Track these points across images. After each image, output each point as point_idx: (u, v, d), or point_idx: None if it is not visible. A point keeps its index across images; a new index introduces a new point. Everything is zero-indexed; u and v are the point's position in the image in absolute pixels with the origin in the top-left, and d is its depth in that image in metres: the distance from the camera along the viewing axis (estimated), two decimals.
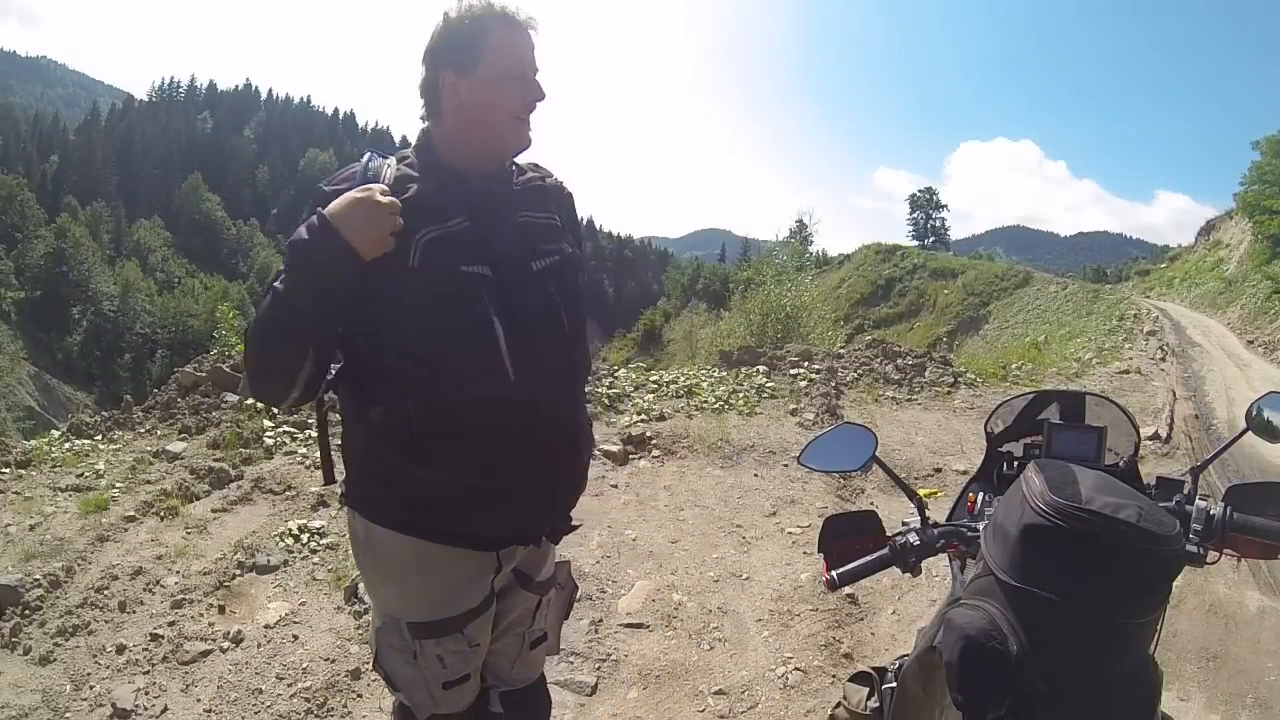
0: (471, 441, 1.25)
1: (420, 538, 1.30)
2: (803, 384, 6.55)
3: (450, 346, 1.21)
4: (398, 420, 1.23)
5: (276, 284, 1.17)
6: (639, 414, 5.47)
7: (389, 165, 1.27)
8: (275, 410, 5.07)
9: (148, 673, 2.52)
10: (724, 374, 6.97)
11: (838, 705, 1.56)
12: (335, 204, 1.15)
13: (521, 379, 1.25)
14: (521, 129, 1.31)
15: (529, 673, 1.60)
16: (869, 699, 1.48)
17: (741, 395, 6.10)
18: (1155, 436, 6.12)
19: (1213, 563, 1.21)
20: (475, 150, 1.30)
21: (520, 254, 1.28)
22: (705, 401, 5.85)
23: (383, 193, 1.16)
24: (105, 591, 2.93)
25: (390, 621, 1.34)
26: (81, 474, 4.07)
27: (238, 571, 3.12)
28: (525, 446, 1.29)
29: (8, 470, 4.08)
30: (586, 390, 1.55)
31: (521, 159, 1.39)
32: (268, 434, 4.66)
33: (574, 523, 1.47)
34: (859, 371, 7.19)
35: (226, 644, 2.67)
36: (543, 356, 1.28)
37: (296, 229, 1.18)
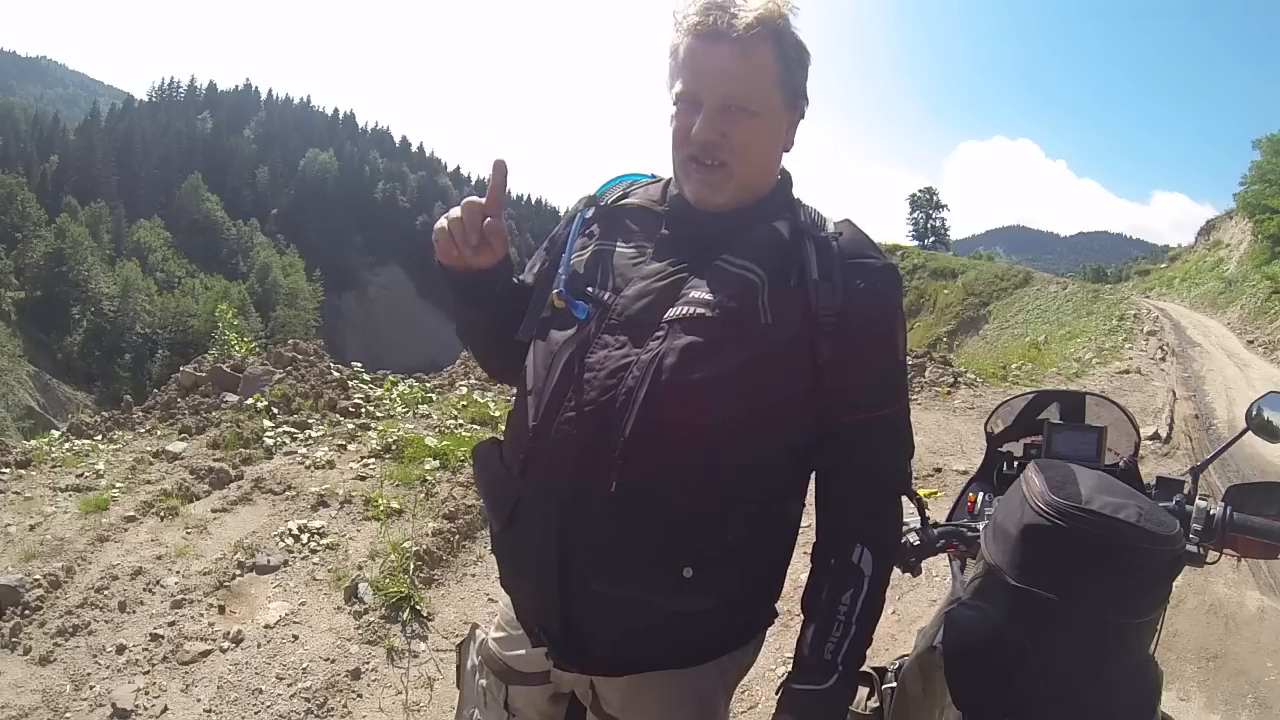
0: (493, 474, 1.15)
1: None
2: None
3: (528, 366, 1.09)
4: None
5: None
6: None
7: (634, 179, 1.21)
8: (276, 410, 5.07)
9: (148, 673, 2.52)
10: None
11: None
12: None
13: (537, 441, 1.02)
14: (693, 174, 1.02)
15: None
16: (869, 699, 1.47)
17: None
18: (1155, 436, 6.13)
19: (1213, 563, 1.21)
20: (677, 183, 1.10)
21: (662, 296, 1.01)
22: None
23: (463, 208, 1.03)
24: (105, 591, 2.93)
25: (489, 620, 1.34)
26: (81, 474, 4.06)
27: (238, 571, 3.12)
28: (523, 528, 1.07)
29: (8, 470, 4.07)
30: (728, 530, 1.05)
31: (820, 210, 1.11)
32: (268, 434, 4.65)
33: (616, 669, 1.07)
34: None
35: (226, 644, 2.67)
36: (573, 422, 0.98)
37: None
